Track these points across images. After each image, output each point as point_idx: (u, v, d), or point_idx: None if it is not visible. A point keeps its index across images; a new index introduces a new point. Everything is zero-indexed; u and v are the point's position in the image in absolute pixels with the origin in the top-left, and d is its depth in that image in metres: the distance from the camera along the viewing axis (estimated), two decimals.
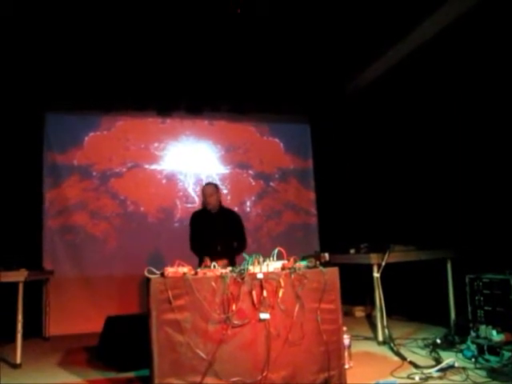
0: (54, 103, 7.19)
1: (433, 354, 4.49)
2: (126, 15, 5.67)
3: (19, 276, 4.90)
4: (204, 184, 5.93)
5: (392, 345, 4.81)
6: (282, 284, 3.53)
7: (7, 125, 6.74)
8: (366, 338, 5.50)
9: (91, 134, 7.50)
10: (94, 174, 7.42)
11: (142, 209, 7.55)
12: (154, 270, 3.51)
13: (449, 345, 4.74)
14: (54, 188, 7.20)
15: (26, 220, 6.78)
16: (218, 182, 7.84)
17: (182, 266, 3.49)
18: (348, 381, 3.67)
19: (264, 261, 3.62)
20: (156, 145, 7.77)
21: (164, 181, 7.73)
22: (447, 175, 5.97)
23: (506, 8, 4.92)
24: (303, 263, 3.74)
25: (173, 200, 7.71)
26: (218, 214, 5.47)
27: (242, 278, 3.46)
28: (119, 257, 7.23)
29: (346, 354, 4.02)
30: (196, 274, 3.49)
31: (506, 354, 3.97)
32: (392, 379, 3.78)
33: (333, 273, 3.75)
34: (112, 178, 7.49)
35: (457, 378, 3.78)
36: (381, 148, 7.39)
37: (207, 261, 4.65)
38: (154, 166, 7.70)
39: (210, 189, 5.52)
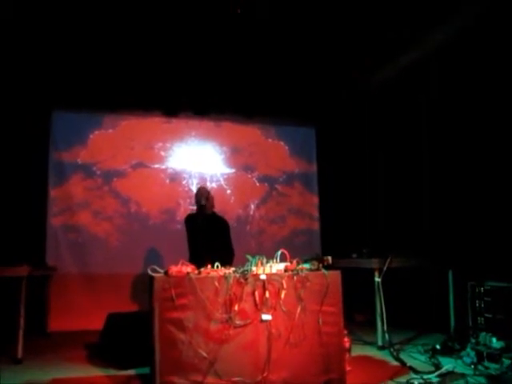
0: (60, 101, 7.20)
1: (432, 359, 4.49)
2: (132, 15, 5.70)
3: (22, 271, 4.91)
4: (199, 186, 6.03)
5: (392, 350, 4.82)
6: (285, 286, 3.55)
7: (15, 122, 6.78)
8: (366, 343, 5.51)
9: (96, 132, 7.51)
10: (98, 172, 7.43)
11: (145, 209, 7.56)
12: (158, 269, 3.54)
13: (448, 351, 4.74)
14: (58, 186, 7.21)
15: (29, 217, 6.80)
16: (223, 183, 7.88)
17: (186, 265, 3.52)
18: None
19: (267, 262, 3.65)
20: (161, 145, 7.78)
21: (168, 181, 7.74)
22: (450, 183, 5.99)
23: None
24: (306, 266, 3.76)
25: (176, 200, 7.72)
26: (211, 216, 5.63)
27: (245, 279, 3.48)
28: (121, 256, 7.23)
29: (346, 357, 4.03)
30: (199, 273, 3.51)
31: (506, 362, 3.98)
32: None
33: (335, 276, 3.77)
34: (115, 177, 7.50)
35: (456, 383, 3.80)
36: (384, 153, 7.42)
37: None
38: (158, 166, 7.71)
39: (206, 189, 5.83)
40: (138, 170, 7.63)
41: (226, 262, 5.21)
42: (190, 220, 5.67)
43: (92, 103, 7.29)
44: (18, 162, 6.75)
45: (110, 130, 7.59)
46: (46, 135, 7.22)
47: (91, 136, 7.47)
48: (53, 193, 7.18)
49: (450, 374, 4.01)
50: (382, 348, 5.12)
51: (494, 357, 4.17)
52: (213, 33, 6.07)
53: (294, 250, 6.84)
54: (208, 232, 5.48)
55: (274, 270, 3.63)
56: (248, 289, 3.48)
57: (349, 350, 4.29)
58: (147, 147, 7.72)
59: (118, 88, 7.12)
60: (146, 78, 7.00)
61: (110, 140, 7.57)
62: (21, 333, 4.87)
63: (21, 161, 6.78)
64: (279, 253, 3.71)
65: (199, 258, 5.04)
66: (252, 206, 8.06)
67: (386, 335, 5.04)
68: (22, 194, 6.73)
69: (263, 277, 3.52)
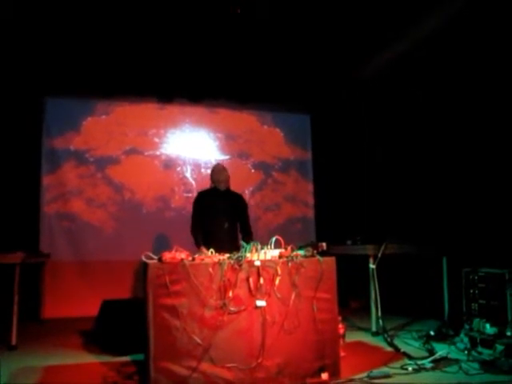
0: (53, 87, 7.11)
1: (426, 345, 4.51)
2: (127, 2, 5.62)
3: (15, 258, 4.90)
4: (217, 164, 5.90)
5: (386, 336, 4.83)
6: (279, 272, 3.54)
7: (7, 109, 6.69)
8: (360, 329, 5.54)
9: (89, 118, 7.42)
10: (91, 159, 7.35)
11: (138, 196, 7.51)
12: (152, 255, 3.52)
13: (442, 337, 4.77)
14: (51, 173, 7.15)
15: (23, 204, 6.75)
16: None
17: (180, 251, 3.50)
18: (342, 370, 3.68)
19: (262, 248, 3.64)
20: (154, 131, 7.71)
21: (162, 168, 7.69)
22: (444, 170, 5.98)
23: None
24: (300, 252, 3.75)
25: (171, 187, 7.68)
26: (226, 193, 5.40)
27: (240, 265, 3.46)
28: (116, 243, 7.20)
29: (341, 343, 4.04)
30: (193, 259, 3.49)
31: (499, 348, 4.00)
32: (385, 369, 3.81)
33: (330, 262, 3.76)
34: (109, 164, 7.43)
35: (449, 369, 3.80)
36: (379, 140, 7.40)
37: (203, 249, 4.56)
38: (152, 153, 7.65)
39: (222, 165, 5.61)
40: (132, 156, 7.56)
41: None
42: (204, 195, 5.44)
43: (85, 89, 7.19)
44: (11, 149, 6.68)
45: (103, 116, 7.51)
46: (39, 122, 7.15)
47: (84, 122, 7.39)
48: (46, 180, 7.12)
49: (444, 359, 4.03)
50: (376, 334, 5.15)
51: (488, 343, 4.18)
52: (207, 20, 6.00)
53: (289, 237, 6.82)
54: (229, 202, 5.31)
55: (268, 257, 3.62)
56: (242, 275, 3.46)
57: (343, 336, 4.31)
58: (141, 133, 7.64)
59: (111, 73, 7.02)
60: (139, 64, 6.90)
61: (103, 126, 7.49)
62: (15, 319, 4.87)
63: (13, 148, 6.71)
64: (274, 239, 3.69)
65: (217, 238, 5.01)
66: (247, 193, 8.01)
67: (380, 321, 5.05)
68: (15, 181, 6.67)
69: (258, 263, 3.50)
